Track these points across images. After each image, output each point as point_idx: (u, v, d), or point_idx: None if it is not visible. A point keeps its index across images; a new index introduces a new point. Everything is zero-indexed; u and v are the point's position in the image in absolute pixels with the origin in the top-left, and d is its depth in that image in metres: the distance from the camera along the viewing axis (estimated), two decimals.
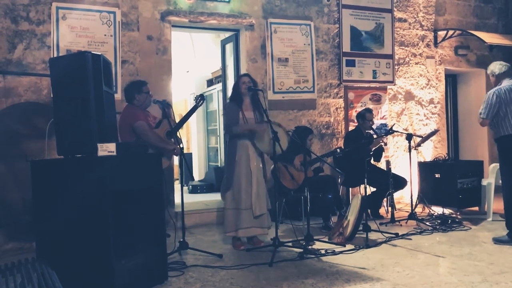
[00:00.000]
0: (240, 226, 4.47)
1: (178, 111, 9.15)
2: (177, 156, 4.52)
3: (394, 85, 7.30)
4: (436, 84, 7.72)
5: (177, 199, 5.55)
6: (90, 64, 3.20)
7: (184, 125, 5.68)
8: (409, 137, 5.69)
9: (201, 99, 4.57)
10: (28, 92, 5.08)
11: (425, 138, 6.02)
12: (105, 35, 5.37)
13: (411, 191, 5.66)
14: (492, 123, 4.62)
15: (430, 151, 7.57)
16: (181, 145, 4.35)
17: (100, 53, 3.32)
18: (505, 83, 4.58)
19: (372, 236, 4.76)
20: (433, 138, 7.34)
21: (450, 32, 7.56)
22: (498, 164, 5.98)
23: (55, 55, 5.06)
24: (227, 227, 4.56)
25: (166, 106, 4.51)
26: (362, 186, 5.18)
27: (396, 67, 7.33)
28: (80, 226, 3.16)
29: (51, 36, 5.14)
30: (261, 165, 4.59)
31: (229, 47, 6.81)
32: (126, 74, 5.50)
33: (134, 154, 3.46)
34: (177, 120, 4.75)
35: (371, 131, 5.95)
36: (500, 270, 3.60)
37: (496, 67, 4.70)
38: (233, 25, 6.26)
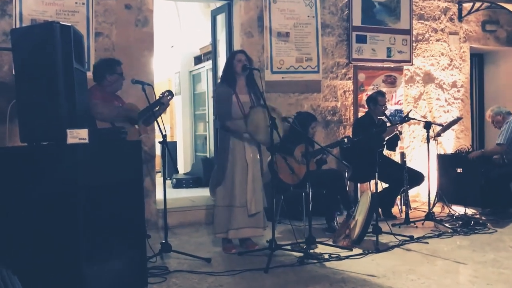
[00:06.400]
0: (231, 227, 4.48)
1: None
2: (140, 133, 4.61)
3: (411, 65, 7.30)
4: (460, 64, 7.72)
5: (159, 195, 5.55)
6: (58, 36, 3.18)
7: (168, 110, 5.67)
8: (427, 125, 5.69)
9: (168, 94, 4.67)
10: None
11: (446, 127, 6.03)
12: (76, 3, 5.33)
13: (429, 188, 5.68)
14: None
15: (451, 142, 7.59)
16: (163, 133, 4.35)
17: (70, 24, 3.29)
18: None
19: (383, 239, 4.80)
20: (455, 127, 7.36)
21: (477, 4, 7.54)
22: None
23: (17, 26, 5.01)
24: (217, 228, 4.58)
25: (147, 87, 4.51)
26: (373, 182, 5.20)
27: (414, 44, 7.32)
28: (46, 225, 3.15)
29: (13, 3, 5.09)
30: (258, 157, 4.60)
31: (221, 19, 6.77)
32: (100, 49, 5.47)
33: (110, 141, 3.46)
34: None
35: (384, 118, 5.96)
36: None
37: (500, 108, 6.29)
38: None
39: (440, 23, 7.57)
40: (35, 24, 4.97)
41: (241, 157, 4.49)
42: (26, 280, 2.96)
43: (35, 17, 5.15)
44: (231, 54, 4.86)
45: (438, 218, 5.59)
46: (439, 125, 6.11)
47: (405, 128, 7.15)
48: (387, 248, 4.56)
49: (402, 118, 6.18)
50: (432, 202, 5.72)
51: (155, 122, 4.48)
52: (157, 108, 4.60)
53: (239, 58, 4.57)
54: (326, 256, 4.27)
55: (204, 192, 6.87)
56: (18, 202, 3.24)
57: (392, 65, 7.14)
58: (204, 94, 9.13)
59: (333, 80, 6.79)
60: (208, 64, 8.44)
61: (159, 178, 6.48)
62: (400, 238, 4.83)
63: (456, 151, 6.80)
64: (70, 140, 3.12)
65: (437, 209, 6.04)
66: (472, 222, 5.44)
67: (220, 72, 6.17)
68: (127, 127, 4.50)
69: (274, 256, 4.18)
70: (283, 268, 4.00)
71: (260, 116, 4.39)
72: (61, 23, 3.23)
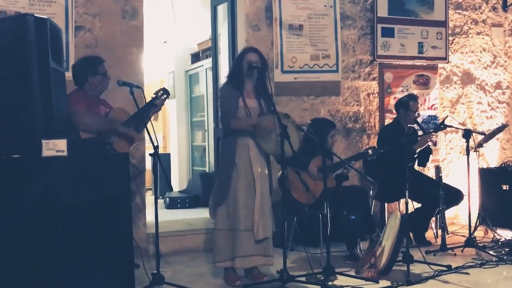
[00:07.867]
0: (238, 254, 4.47)
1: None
2: (131, 143, 4.61)
3: (448, 62, 7.31)
4: (505, 62, 7.72)
5: (150, 217, 5.56)
6: (32, 31, 3.21)
7: (160, 116, 5.69)
8: (467, 134, 5.68)
9: (164, 93, 4.66)
10: None
11: (489, 136, 6.02)
12: None
13: (469, 208, 5.66)
14: None
15: (495, 154, 7.57)
16: (154, 144, 4.36)
17: (46, 17, 3.33)
18: None
19: (416, 269, 4.78)
20: (500, 135, 7.34)
21: None
22: None
23: None
24: (218, 255, 4.57)
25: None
26: (402, 201, 5.18)
27: (451, 38, 7.33)
28: (18, 251, 3.16)
29: None
30: (266, 172, 4.60)
31: (222, 10, 6.81)
32: (81, 45, 5.50)
33: (92, 154, 3.47)
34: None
35: (416, 126, 5.95)
36: None
37: None
38: None
39: (481, 13, 7.58)
40: (5, 16, 5.01)
41: (247, 172, 4.49)
42: None
43: (4, 9, 5.19)
44: (242, 51, 4.82)
45: (481, 244, 5.56)
46: (481, 133, 6.08)
47: (440, 137, 7.14)
48: (420, 280, 4.53)
49: (437, 125, 6.17)
50: (473, 225, 5.70)
51: (146, 131, 4.48)
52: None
53: (250, 58, 4.56)
54: None
55: (203, 213, 6.87)
56: None
57: (424, 63, 7.14)
58: (202, 97, 9.14)
59: (355, 81, 6.80)
60: (207, 63, 8.46)
61: (149, 197, 6.49)
62: (436, 268, 4.81)
63: (501, 164, 6.78)
64: (46, 153, 3.13)
65: (479, 233, 6.01)
66: None
67: (221, 72, 6.19)
68: (116, 136, 4.52)
69: None
70: None
71: (272, 124, 4.40)
72: (35, 15, 3.27)
